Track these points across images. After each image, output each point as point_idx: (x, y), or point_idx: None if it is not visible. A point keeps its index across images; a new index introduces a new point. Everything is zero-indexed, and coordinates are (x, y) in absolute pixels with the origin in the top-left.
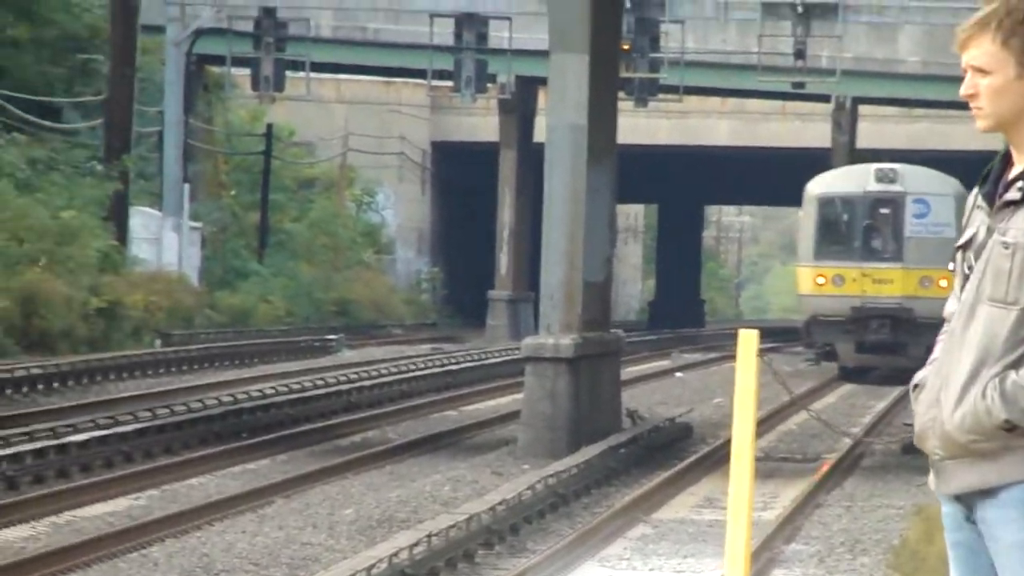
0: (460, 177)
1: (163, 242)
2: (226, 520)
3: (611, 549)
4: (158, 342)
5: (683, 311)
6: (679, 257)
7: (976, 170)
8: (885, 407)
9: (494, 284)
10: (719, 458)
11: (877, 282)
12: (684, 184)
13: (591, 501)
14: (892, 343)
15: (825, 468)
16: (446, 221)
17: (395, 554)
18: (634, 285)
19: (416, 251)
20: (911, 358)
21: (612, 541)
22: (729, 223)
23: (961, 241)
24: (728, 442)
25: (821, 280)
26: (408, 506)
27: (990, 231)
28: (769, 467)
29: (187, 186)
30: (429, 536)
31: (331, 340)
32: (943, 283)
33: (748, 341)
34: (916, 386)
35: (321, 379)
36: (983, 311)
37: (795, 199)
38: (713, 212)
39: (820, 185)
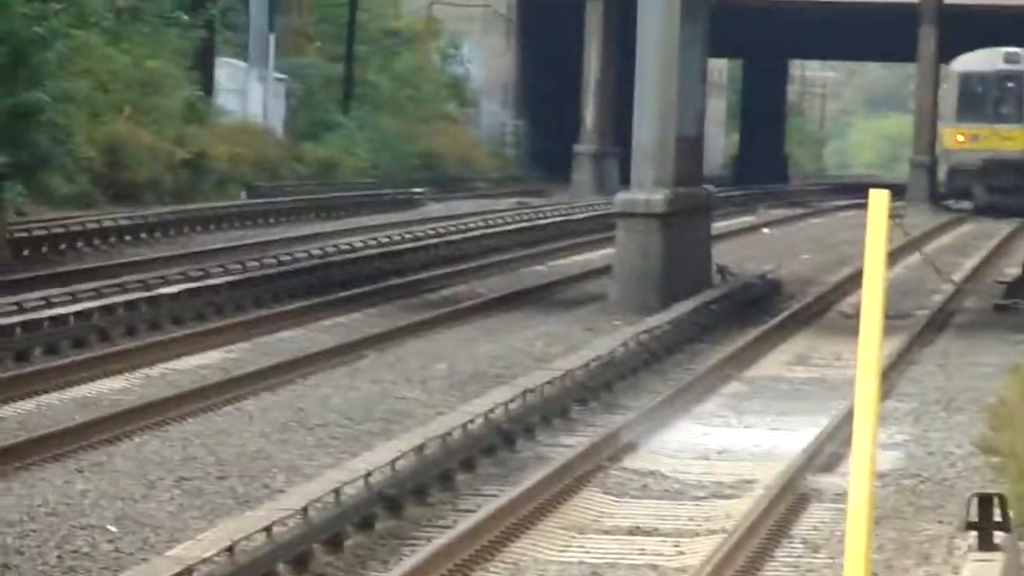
0: (546, 29)
1: (248, 94)
2: (319, 373)
3: (705, 406)
4: (244, 194)
5: (767, 166)
6: (763, 112)
7: None
8: (974, 264)
9: (579, 138)
10: (809, 315)
11: (1004, 139)
12: (769, 38)
13: (683, 358)
14: (1014, 186)
15: None
16: (531, 74)
17: (491, 410)
18: (717, 140)
19: (501, 104)
20: None
21: (706, 398)
22: (813, 78)
23: None
24: (818, 299)
25: (961, 138)
26: (501, 361)
27: None
28: None
29: (273, 37)
30: (524, 392)
31: (416, 193)
32: None
33: (879, 201)
34: None
35: (409, 232)
36: None
37: (880, 53)
38: (796, 67)
39: (961, 64)
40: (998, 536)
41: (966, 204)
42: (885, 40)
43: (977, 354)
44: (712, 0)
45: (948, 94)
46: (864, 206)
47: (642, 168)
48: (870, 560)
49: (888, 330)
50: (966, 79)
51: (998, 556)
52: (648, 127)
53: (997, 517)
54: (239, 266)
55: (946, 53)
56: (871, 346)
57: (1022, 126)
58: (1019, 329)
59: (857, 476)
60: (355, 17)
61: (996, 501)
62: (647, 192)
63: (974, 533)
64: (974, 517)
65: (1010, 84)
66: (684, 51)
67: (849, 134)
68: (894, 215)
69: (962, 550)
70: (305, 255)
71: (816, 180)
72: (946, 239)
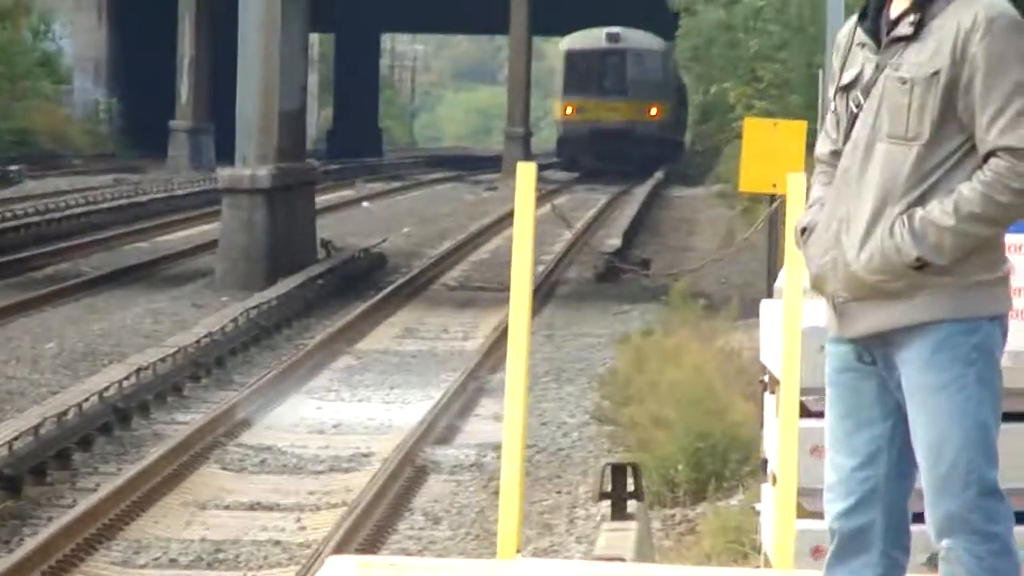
0: (138, 5)
1: None
2: None
3: (318, 381)
4: None
5: (361, 140)
6: (356, 86)
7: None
8: (575, 234)
9: (174, 114)
10: (415, 288)
11: (609, 110)
12: (360, 12)
13: (293, 333)
14: (620, 153)
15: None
16: (124, 50)
17: (105, 388)
18: (310, 114)
19: (94, 80)
20: (633, 163)
21: (318, 373)
22: (403, 51)
23: (844, 81)
24: (422, 272)
25: (570, 110)
26: (111, 339)
27: (879, 68)
28: (465, 296)
29: None
30: (138, 370)
31: (11, 170)
32: (653, 111)
33: (526, 174)
34: (804, 230)
35: (9, 211)
36: (881, 149)
37: (471, 26)
38: (387, 40)
39: (568, 43)
40: (631, 505)
41: (561, 175)
42: (476, 13)
43: (583, 324)
44: None
45: (558, 70)
46: (458, 179)
47: (245, 143)
48: (521, 530)
49: (494, 303)
50: (573, 56)
51: (631, 525)
52: (251, 102)
53: (630, 487)
54: None
55: (538, 25)
56: (521, 317)
57: (624, 98)
58: (622, 299)
59: (509, 447)
60: None
61: (629, 470)
62: (251, 167)
63: (607, 503)
64: (607, 487)
65: (612, 60)
66: (285, 26)
67: (439, 107)
68: (489, 188)
69: (584, 519)
70: None
71: (410, 153)
72: (544, 210)
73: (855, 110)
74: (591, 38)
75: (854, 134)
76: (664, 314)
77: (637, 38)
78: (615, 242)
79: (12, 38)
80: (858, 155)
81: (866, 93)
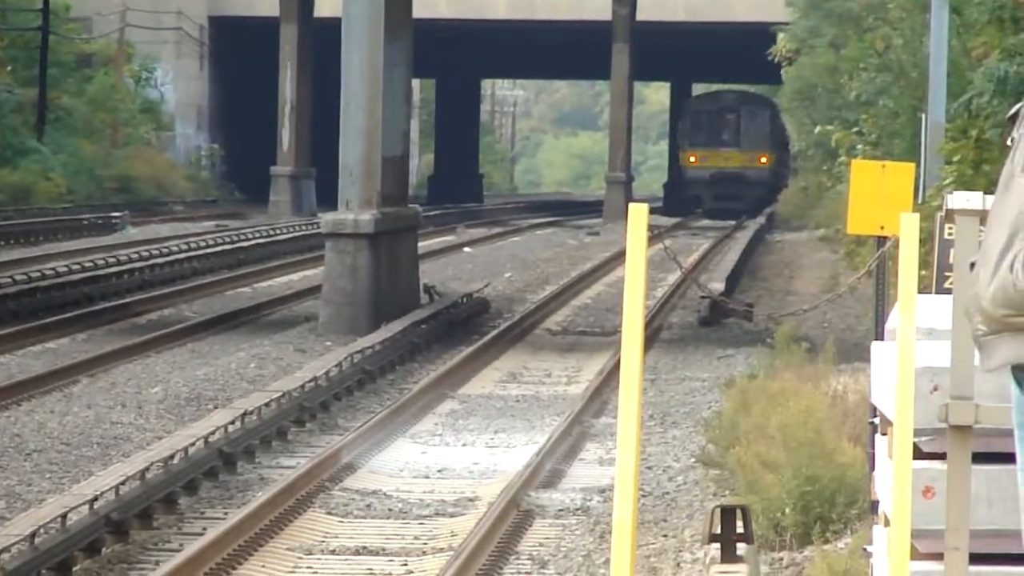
0: (239, 52)
1: None
2: (33, 399)
3: (422, 425)
4: None
5: (462, 185)
6: (457, 131)
7: (756, 40)
8: (676, 280)
9: (275, 160)
10: (518, 333)
11: (726, 159)
12: (461, 58)
13: (397, 377)
14: (734, 194)
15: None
16: (226, 97)
17: (211, 433)
18: (412, 160)
19: (196, 127)
20: (744, 202)
21: (422, 417)
22: (503, 97)
23: (1010, 112)
24: (524, 317)
25: (693, 159)
26: (215, 384)
27: None
28: (569, 341)
29: None
30: (244, 414)
31: (115, 218)
32: (763, 159)
33: (638, 215)
34: (972, 264)
35: (113, 257)
36: (1017, 183)
37: (572, 72)
38: (487, 85)
39: (693, 103)
40: (740, 548)
41: (663, 219)
42: (577, 58)
43: (687, 369)
44: (412, 22)
45: (683, 126)
46: (558, 224)
47: (349, 188)
48: (634, 575)
49: (597, 347)
50: (696, 113)
51: (742, 568)
52: (354, 148)
53: (739, 529)
54: None
55: (639, 71)
56: (633, 360)
57: (739, 149)
58: (725, 343)
59: (621, 491)
60: (47, 42)
61: (739, 513)
62: (355, 212)
63: (716, 545)
64: (717, 529)
65: (729, 116)
66: (388, 72)
67: (539, 152)
68: (591, 233)
69: (690, 563)
70: (8, 280)
71: (511, 198)
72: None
73: (1009, 144)
74: (712, 98)
75: (1003, 168)
76: (767, 358)
77: (750, 98)
78: (718, 286)
79: (114, 85)
80: (1000, 189)
81: (1019, 127)
